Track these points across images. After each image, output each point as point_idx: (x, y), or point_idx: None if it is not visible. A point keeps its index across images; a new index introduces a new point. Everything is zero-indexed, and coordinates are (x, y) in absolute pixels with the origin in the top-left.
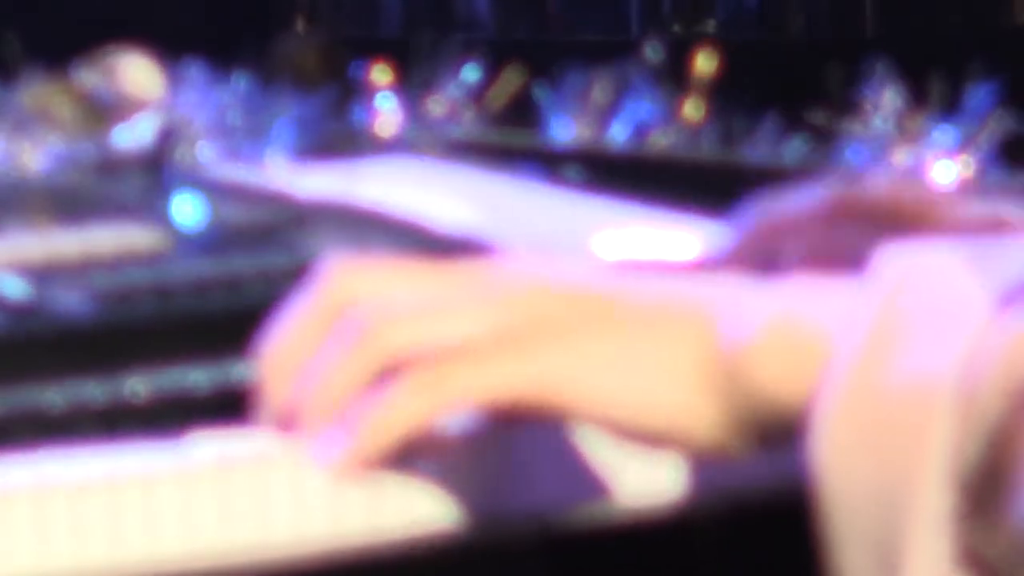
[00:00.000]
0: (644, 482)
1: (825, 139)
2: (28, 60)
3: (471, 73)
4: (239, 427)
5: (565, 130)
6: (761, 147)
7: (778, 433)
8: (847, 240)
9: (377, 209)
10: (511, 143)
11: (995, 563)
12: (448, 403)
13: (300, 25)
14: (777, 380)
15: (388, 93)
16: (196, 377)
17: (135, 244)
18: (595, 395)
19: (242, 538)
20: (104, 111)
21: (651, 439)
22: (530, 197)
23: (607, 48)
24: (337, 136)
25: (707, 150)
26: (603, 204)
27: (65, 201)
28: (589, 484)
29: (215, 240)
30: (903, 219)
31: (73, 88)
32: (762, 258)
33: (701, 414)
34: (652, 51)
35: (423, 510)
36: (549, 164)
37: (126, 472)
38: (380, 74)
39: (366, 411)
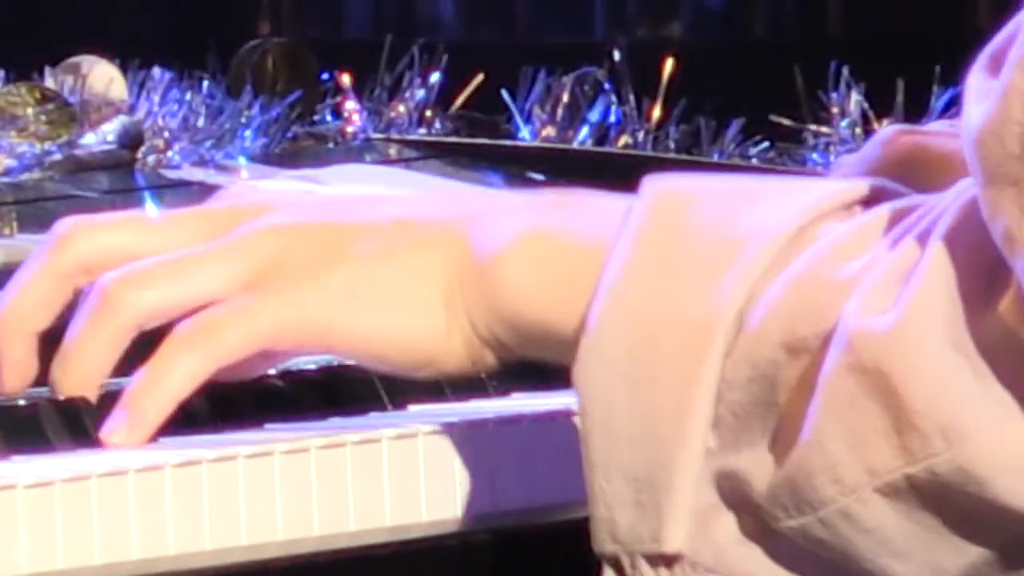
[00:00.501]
0: None
1: (790, 142)
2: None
3: (436, 76)
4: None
5: (527, 134)
6: (726, 150)
7: (529, 350)
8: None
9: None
10: (475, 145)
11: (760, 503)
12: (217, 359)
13: (264, 29)
14: (532, 295)
15: (353, 96)
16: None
17: None
18: (351, 331)
19: (227, 535)
20: (70, 115)
21: (411, 367)
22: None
23: (572, 51)
24: (302, 139)
25: (671, 153)
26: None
27: (31, 204)
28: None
29: None
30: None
31: (39, 92)
32: None
33: (452, 337)
34: (616, 54)
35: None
36: (514, 166)
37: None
38: (345, 77)
39: (136, 384)
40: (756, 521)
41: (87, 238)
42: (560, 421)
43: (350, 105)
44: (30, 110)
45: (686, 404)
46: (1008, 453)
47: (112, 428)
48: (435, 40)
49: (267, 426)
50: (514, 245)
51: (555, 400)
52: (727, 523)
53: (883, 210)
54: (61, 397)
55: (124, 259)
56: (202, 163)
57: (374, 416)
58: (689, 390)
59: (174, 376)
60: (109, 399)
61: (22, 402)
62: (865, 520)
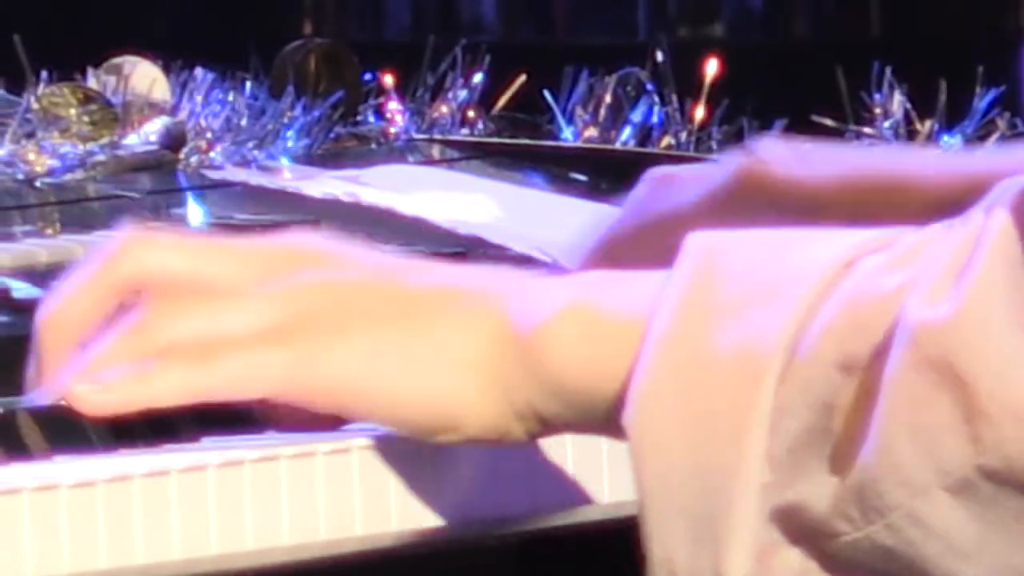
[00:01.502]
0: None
1: (833, 142)
2: (38, 64)
3: (478, 77)
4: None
5: (572, 133)
6: None
7: (568, 420)
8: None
9: (384, 211)
10: (517, 146)
11: (822, 526)
12: (209, 384)
13: (307, 29)
14: (578, 364)
15: (395, 97)
16: None
17: None
18: (369, 394)
19: (222, 539)
20: (113, 115)
21: (433, 433)
22: (537, 200)
23: (614, 51)
24: (344, 140)
25: (714, 153)
26: (610, 207)
27: (74, 204)
28: (570, 487)
29: None
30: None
31: (82, 92)
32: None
33: (482, 405)
34: (659, 54)
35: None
36: (556, 167)
37: (133, 471)
38: (387, 78)
39: (134, 370)
40: (816, 552)
41: (142, 256)
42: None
43: (392, 106)
44: (73, 111)
45: (741, 436)
46: None
47: (83, 389)
48: (477, 41)
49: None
50: (558, 317)
51: None
52: (788, 555)
53: (929, 230)
54: (77, 408)
55: (174, 284)
56: (245, 164)
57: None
58: (743, 423)
59: (163, 384)
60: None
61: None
62: (934, 522)
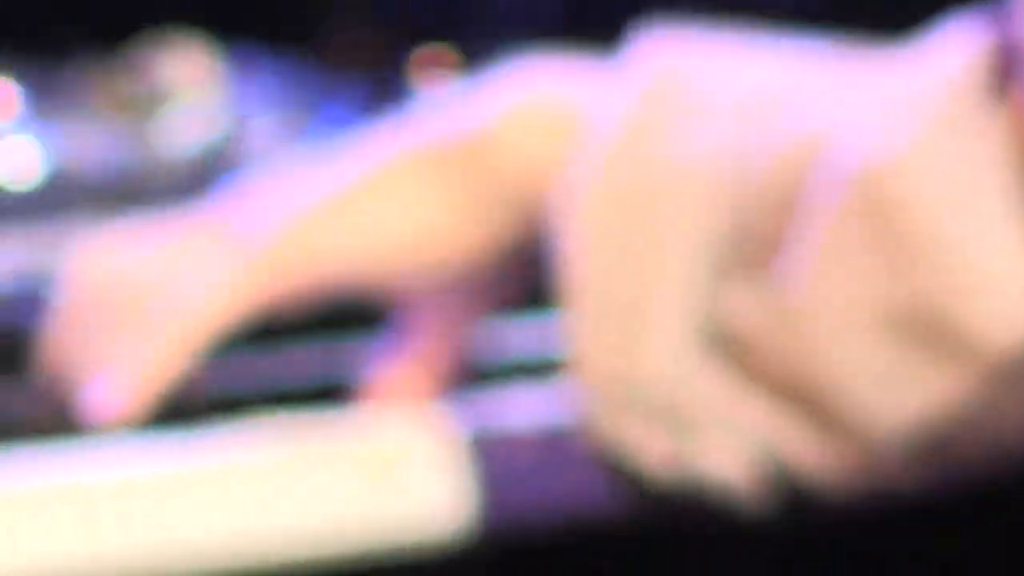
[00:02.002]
0: None
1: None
2: (78, 48)
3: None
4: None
5: None
6: None
7: (537, 210)
8: None
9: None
10: None
11: (742, 335)
12: (190, 339)
13: (350, 12)
14: (529, 156)
15: (441, 80)
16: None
17: None
18: (339, 252)
19: (246, 538)
20: (153, 99)
21: (422, 268)
22: None
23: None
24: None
25: None
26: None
27: (113, 191)
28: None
29: None
30: None
31: (122, 76)
32: None
33: (454, 219)
34: None
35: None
36: None
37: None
38: (433, 60)
39: (112, 366)
40: (737, 355)
41: (124, 292)
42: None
43: (440, 87)
44: (113, 96)
45: (667, 237)
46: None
47: (93, 406)
48: (528, 22)
49: None
50: (506, 114)
51: None
52: (706, 356)
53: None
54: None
55: (147, 292)
56: (294, 147)
57: None
58: (673, 226)
59: (148, 352)
60: None
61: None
62: (853, 352)
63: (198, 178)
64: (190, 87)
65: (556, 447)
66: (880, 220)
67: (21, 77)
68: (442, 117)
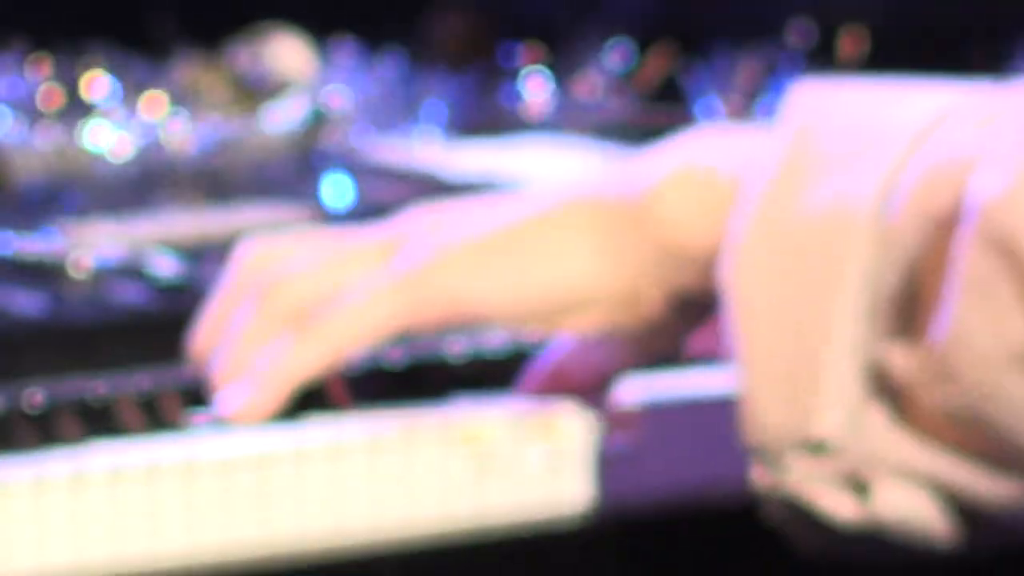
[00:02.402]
0: None
1: None
2: (180, 39)
3: (619, 52)
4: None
5: (713, 110)
6: None
7: (686, 282)
8: None
9: (524, 187)
10: (659, 122)
11: (905, 386)
12: (340, 349)
13: (449, 4)
14: (688, 221)
15: (536, 72)
16: None
17: (284, 223)
18: (489, 294)
19: (383, 517)
20: (255, 91)
21: (562, 315)
22: None
23: (755, 28)
24: (485, 116)
25: None
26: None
27: (215, 180)
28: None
29: (364, 219)
30: None
31: (224, 68)
32: None
33: (605, 272)
34: (800, 32)
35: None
36: None
37: (275, 448)
38: (528, 53)
39: (263, 362)
40: (903, 407)
41: (293, 293)
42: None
43: (535, 80)
44: (216, 86)
45: (831, 294)
46: None
47: (233, 405)
48: (621, 14)
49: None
50: (667, 179)
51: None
52: (876, 412)
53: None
54: (219, 380)
55: (318, 302)
56: (387, 137)
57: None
58: (834, 281)
59: (292, 368)
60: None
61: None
62: (1005, 392)
63: (295, 159)
64: (292, 76)
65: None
66: (1002, 252)
67: (120, 69)
68: (607, 174)
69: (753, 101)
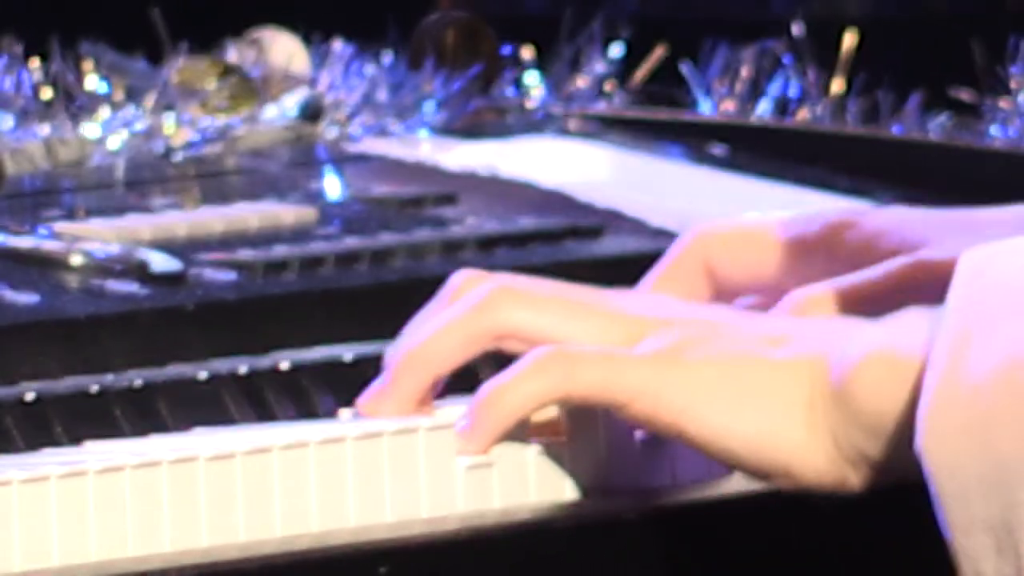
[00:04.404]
0: None
1: (969, 116)
2: (176, 37)
3: (616, 49)
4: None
5: (710, 106)
6: (905, 124)
7: (890, 459)
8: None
9: (523, 184)
10: (656, 119)
11: None
12: (566, 390)
13: (445, 3)
14: (877, 400)
15: (533, 70)
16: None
17: (282, 219)
18: (706, 422)
19: (378, 509)
20: (251, 89)
21: (764, 473)
22: (674, 173)
23: (751, 25)
24: (483, 113)
25: (851, 126)
26: (747, 180)
27: (212, 177)
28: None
29: (361, 215)
30: None
31: (221, 65)
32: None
33: (815, 450)
34: (796, 28)
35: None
36: (694, 139)
37: (270, 444)
38: (525, 51)
39: (483, 394)
40: None
41: (510, 312)
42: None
43: (530, 78)
44: (212, 84)
45: (1022, 441)
46: None
47: (463, 435)
48: (616, 13)
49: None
50: (866, 362)
51: None
52: None
53: None
54: (397, 371)
55: (539, 340)
56: (383, 136)
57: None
58: (1022, 427)
59: (519, 394)
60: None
61: (203, 375)
62: None
63: (291, 156)
64: (288, 74)
65: None
66: None
67: (116, 66)
68: (827, 339)
69: (748, 99)
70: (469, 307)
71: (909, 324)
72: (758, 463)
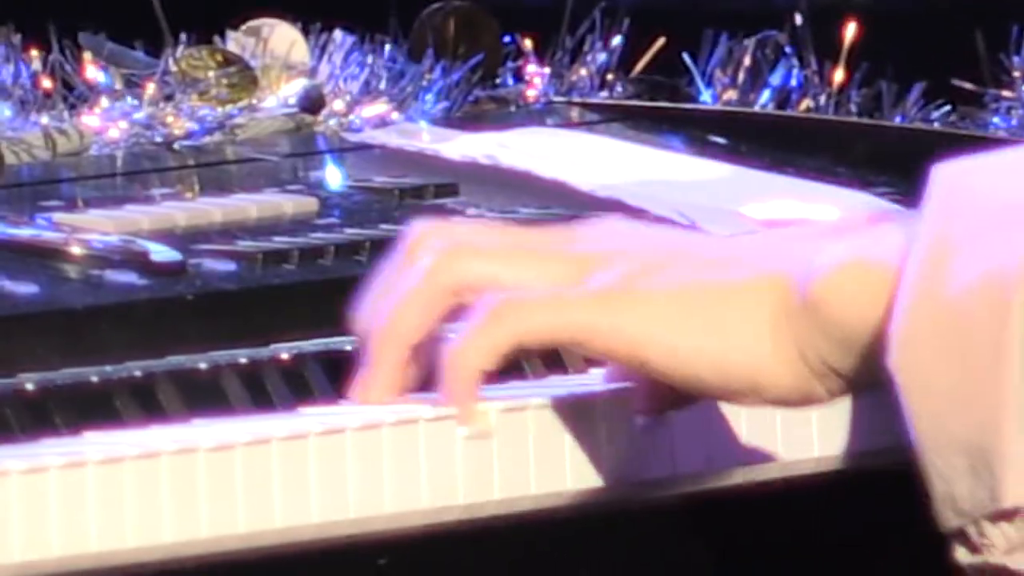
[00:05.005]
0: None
1: (972, 106)
2: (176, 27)
3: (617, 39)
4: None
5: (711, 96)
6: (908, 114)
7: (859, 372)
8: None
9: (524, 174)
10: (656, 109)
11: None
12: (519, 336)
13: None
14: (849, 311)
15: (534, 59)
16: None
17: (282, 209)
18: (669, 349)
19: (377, 499)
20: (251, 78)
21: (731, 393)
22: (676, 163)
23: (753, 14)
24: (483, 103)
25: (853, 117)
26: (747, 170)
27: (212, 167)
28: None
29: (362, 205)
30: None
31: (221, 55)
32: None
33: (782, 363)
34: (798, 17)
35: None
36: (695, 130)
37: (270, 435)
38: (526, 41)
39: (451, 348)
40: None
41: (465, 267)
42: None
43: (531, 68)
44: (212, 73)
45: (999, 361)
46: None
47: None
48: (617, 3)
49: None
50: (836, 272)
51: None
52: None
53: None
54: (375, 350)
55: (491, 287)
56: (383, 126)
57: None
58: (999, 347)
59: (474, 350)
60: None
61: (203, 365)
62: None
63: (291, 146)
64: (288, 64)
65: None
66: None
67: (116, 55)
68: (782, 245)
69: (749, 89)
70: (423, 273)
71: (883, 235)
72: (725, 384)
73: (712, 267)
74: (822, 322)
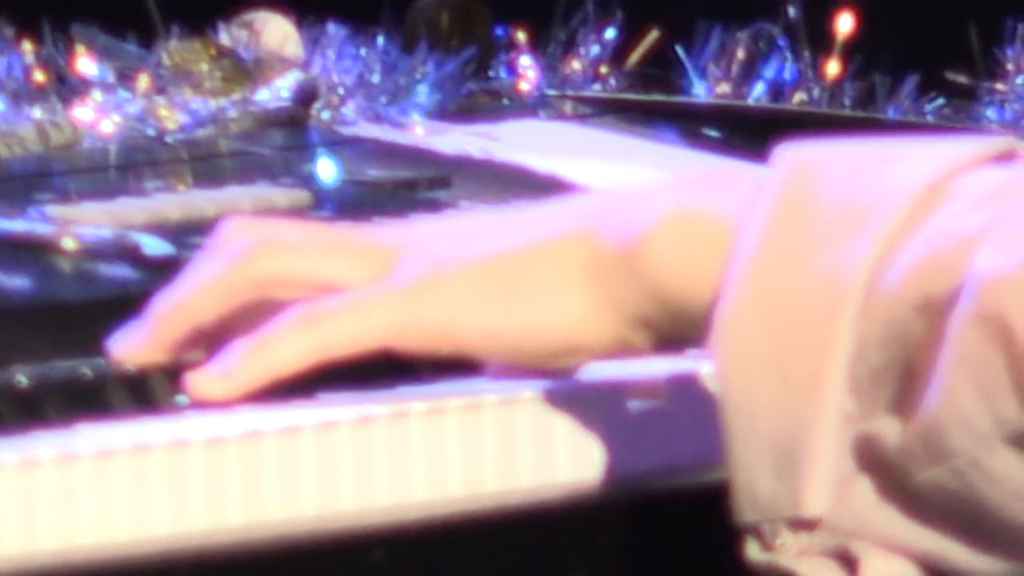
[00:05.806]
0: None
1: (965, 99)
2: (169, 20)
3: (610, 32)
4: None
5: (704, 89)
6: (902, 107)
7: (677, 328)
8: None
9: (517, 167)
10: (649, 102)
11: (894, 461)
12: (326, 346)
13: None
14: (678, 272)
15: (527, 52)
16: None
17: (275, 202)
18: (478, 329)
19: (372, 493)
20: (244, 71)
21: (553, 356)
22: (668, 156)
23: (747, 7)
24: (477, 95)
25: (847, 110)
26: (742, 163)
27: (205, 160)
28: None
29: (355, 198)
30: None
31: (213, 48)
32: None
33: (596, 318)
34: (792, 10)
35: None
36: (688, 122)
37: (264, 429)
38: (519, 33)
39: (241, 346)
40: (892, 482)
41: (269, 262)
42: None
43: (525, 61)
44: (204, 66)
45: (821, 369)
46: None
47: (205, 378)
48: None
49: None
50: (658, 225)
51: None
52: (864, 487)
53: (1020, 167)
54: (156, 323)
55: (299, 284)
56: (377, 119)
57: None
58: (824, 355)
59: (280, 351)
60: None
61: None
62: (995, 470)
63: (284, 139)
64: (281, 56)
65: None
66: (998, 332)
67: (109, 48)
68: (604, 204)
69: (743, 82)
70: (230, 260)
71: (706, 188)
72: (543, 347)
73: (517, 235)
74: (637, 275)
